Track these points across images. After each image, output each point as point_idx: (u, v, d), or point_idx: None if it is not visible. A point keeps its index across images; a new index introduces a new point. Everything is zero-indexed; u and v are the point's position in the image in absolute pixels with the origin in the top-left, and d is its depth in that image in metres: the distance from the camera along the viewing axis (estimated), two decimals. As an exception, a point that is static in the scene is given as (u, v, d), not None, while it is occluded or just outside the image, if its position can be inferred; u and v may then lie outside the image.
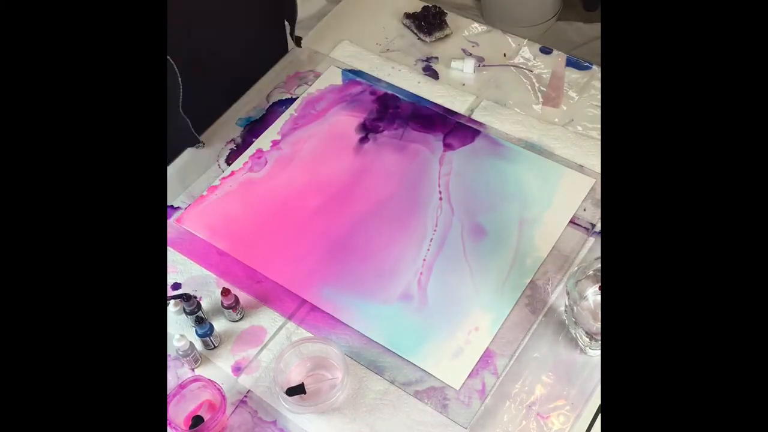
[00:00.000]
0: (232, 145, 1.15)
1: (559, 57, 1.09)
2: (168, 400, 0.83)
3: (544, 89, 1.18)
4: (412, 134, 1.13)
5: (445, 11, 1.28)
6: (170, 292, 0.98)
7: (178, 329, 0.93)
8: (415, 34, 1.27)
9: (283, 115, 1.17)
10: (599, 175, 1.05)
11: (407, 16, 1.29)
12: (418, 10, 1.29)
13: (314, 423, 0.86)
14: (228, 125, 1.18)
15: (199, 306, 0.93)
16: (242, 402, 0.88)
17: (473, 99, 1.17)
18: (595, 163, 1.07)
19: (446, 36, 1.26)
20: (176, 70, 1.00)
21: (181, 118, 1.07)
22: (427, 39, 1.25)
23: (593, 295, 0.86)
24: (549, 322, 0.92)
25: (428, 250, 0.99)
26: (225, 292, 0.92)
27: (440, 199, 1.05)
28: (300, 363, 0.90)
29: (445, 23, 1.26)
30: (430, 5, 1.29)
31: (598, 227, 1.00)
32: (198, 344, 0.92)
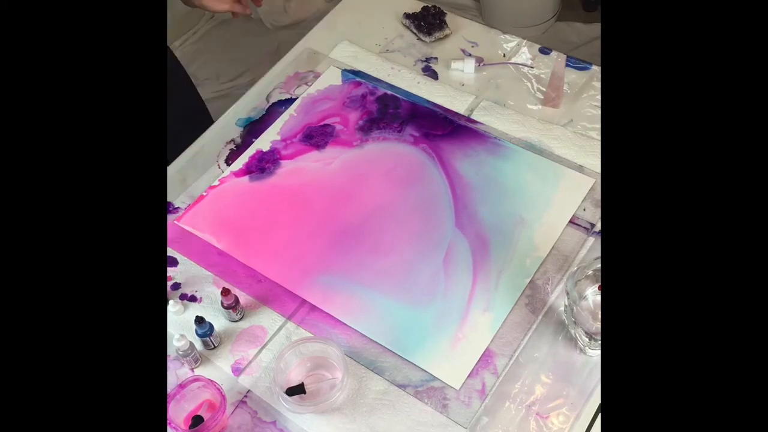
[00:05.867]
0: (232, 146, 1.15)
1: (558, 57, 1.09)
2: (168, 399, 0.83)
3: (544, 89, 1.18)
4: (411, 134, 1.13)
5: (445, 11, 1.28)
6: (170, 293, 0.98)
7: (178, 329, 0.93)
8: (415, 34, 1.27)
9: (283, 115, 1.18)
10: (599, 175, 1.05)
11: (407, 16, 1.29)
12: (418, 10, 1.29)
13: (314, 423, 0.86)
14: (228, 126, 1.18)
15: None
16: (242, 402, 0.88)
17: (473, 99, 1.17)
18: (595, 163, 1.07)
19: (446, 36, 1.26)
20: (176, 56, 1.01)
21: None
22: (427, 39, 1.25)
23: (593, 295, 0.87)
24: (549, 322, 0.92)
25: (428, 250, 0.99)
26: (225, 292, 0.92)
27: (440, 199, 1.05)
28: (300, 363, 0.90)
29: (445, 23, 1.27)
30: (430, 5, 1.29)
31: (598, 227, 1.00)
32: (198, 344, 0.92)
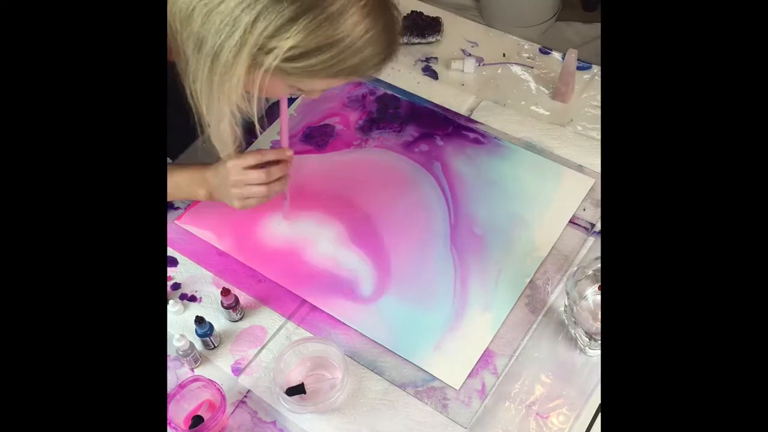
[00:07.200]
0: (232, 145, 1.14)
1: (572, 53, 1.09)
2: (168, 399, 0.83)
3: (544, 89, 1.18)
4: (411, 134, 1.13)
5: (423, 20, 1.28)
6: (170, 293, 0.98)
7: (178, 329, 0.93)
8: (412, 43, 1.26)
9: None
10: (599, 175, 1.05)
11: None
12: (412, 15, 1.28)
13: (314, 423, 0.86)
14: (228, 125, 1.17)
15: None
16: (242, 402, 0.88)
17: (473, 99, 1.17)
18: (595, 163, 1.07)
19: (435, 42, 1.26)
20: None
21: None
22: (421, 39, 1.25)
23: (593, 295, 0.87)
24: (549, 322, 0.92)
25: (428, 250, 0.99)
26: (225, 292, 0.92)
27: (440, 199, 1.05)
28: (300, 363, 0.90)
29: (438, 29, 1.26)
30: (413, 12, 1.27)
31: (598, 227, 1.00)
32: (198, 344, 0.92)
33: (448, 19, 1.28)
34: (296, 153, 1.12)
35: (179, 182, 0.96)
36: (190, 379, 0.86)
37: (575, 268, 0.89)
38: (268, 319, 0.95)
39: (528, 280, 0.96)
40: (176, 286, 0.99)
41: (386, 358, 0.91)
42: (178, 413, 0.85)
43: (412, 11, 1.27)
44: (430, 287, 0.96)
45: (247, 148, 1.13)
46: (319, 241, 1.02)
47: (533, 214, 1.02)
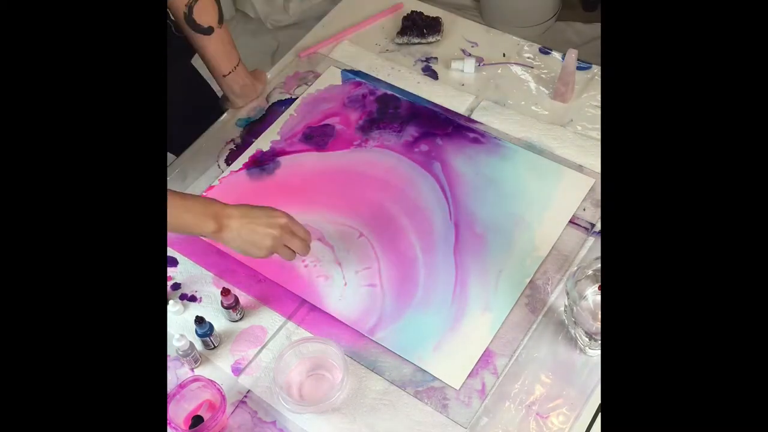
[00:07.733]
0: (232, 146, 1.15)
1: (572, 53, 1.09)
2: (168, 399, 0.83)
3: (544, 89, 1.18)
4: (411, 134, 1.13)
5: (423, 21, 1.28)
6: (170, 293, 0.98)
7: (178, 329, 0.93)
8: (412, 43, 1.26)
9: (283, 115, 1.18)
10: (599, 175, 1.05)
11: (399, 33, 1.27)
12: (410, 19, 1.27)
13: (314, 423, 0.86)
14: (228, 125, 1.18)
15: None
16: (242, 402, 0.88)
17: (473, 99, 1.17)
18: (595, 163, 1.07)
19: (435, 42, 1.26)
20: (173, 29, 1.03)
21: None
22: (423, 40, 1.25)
23: (593, 295, 0.87)
24: (549, 322, 0.92)
25: (428, 250, 0.99)
26: (225, 292, 0.92)
27: (440, 199, 1.05)
28: (300, 363, 0.90)
29: (438, 30, 1.26)
30: (414, 12, 1.27)
31: (598, 227, 1.00)
32: (198, 344, 0.92)
33: (448, 19, 1.28)
34: (296, 152, 1.13)
35: (190, 208, 0.87)
36: (190, 379, 0.86)
37: (575, 268, 0.89)
38: (268, 319, 0.95)
39: (528, 280, 0.96)
40: (176, 286, 0.99)
41: (386, 358, 0.91)
42: (178, 413, 0.85)
43: (412, 11, 1.27)
44: (429, 287, 0.96)
45: (246, 148, 1.13)
46: (318, 241, 1.02)
47: (533, 214, 1.02)
